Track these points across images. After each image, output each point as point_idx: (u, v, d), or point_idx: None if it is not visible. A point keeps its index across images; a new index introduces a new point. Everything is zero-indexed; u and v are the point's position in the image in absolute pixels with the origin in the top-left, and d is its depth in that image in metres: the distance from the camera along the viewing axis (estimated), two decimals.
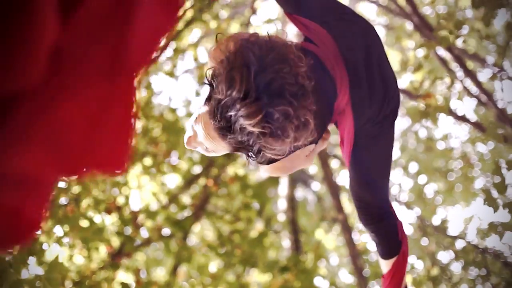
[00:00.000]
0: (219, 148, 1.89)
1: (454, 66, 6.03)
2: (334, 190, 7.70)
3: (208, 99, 1.86)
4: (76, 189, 5.97)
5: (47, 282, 4.51)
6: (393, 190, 8.83)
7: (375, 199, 2.43)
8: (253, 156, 1.83)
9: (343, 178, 10.18)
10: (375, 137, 2.21)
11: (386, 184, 2.46)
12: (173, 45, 6.40)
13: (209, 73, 1.84)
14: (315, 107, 1.75)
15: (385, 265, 2.52)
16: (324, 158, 7.42)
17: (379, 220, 2.43)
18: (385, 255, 2.49)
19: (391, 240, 2.48)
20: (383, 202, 2.45)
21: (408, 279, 7.46)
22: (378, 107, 2.13)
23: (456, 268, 6.83)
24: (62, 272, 4.75)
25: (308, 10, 2.21)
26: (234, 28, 7.42)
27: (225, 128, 1.76)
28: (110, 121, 0.84)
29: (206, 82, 1.86)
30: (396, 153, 9.01)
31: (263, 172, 2.17)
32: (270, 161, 1.90)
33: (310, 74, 1.75)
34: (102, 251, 6.32)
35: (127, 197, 6.54)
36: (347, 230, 7.59)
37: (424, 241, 7.15)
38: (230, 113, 1.70)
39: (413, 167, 8.37)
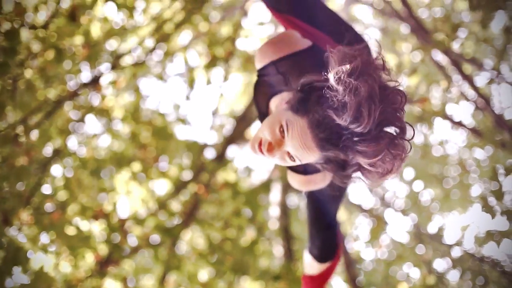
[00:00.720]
0: (309, 158, 1.85)
1: (451, 70, 6.02)
2: None
3: (304, 104, 1.81)
4: (62, 195, 5.93)
5: None
6: (388, 197, 8.82)
7: (316, 238, 2.69)
8: (341, 174, 1.85)
9: None
10: None
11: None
12: (163, 47, 6.37)
13: (314, 79, 1.81)
14: None
15: (317, 268, 2.68)
16: None
17: (331, 225, 2.66)
18: (322, 258, 2.67)
19: (333, 245, 2.68)
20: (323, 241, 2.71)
21: (404, 287, 7.45)
22: None
23: (453, 276, 6.82)
24: (47, 281, 4.73)
25: (311, 17, 2.22)
26: (225, 30, 7.40)
27: (330, 141, 1.74)
28: None
29: (307, 84, 1.83)
30: None
31: (295, 183, 2.22)
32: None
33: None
34: (89, 259, 6.28)
35: (114, 204, 6.51)
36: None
37: (420, 249, 7.14)
38: (343, 133, 1.69)
39: (409, 173, 8.35)
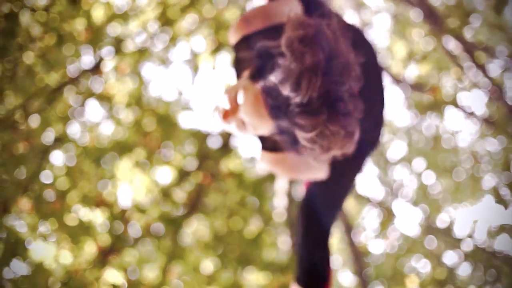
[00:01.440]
0: (263, 127, 1.86)
1: (463, 58, 5.98)
2: None
3: (261, 71, 1.83)
4: (62, 183, 5.94)
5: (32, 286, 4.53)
6: (398, 188, 8.80)
7: (333, 222, 2.55)
8: (296, 148, 1.84)
9: None
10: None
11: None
12: (167, 32, 6.35)
13: (269, 44, 1.83)
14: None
15: None
16: None
17: (326, 243, 2.53)
18: (310, 285, 2.55)
19: (325, 269, 2.55)
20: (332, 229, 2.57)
21: (413, 281, 7.44)
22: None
23: (464, 270, 6.81)
24: (47, 272, 4.74)
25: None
26: (231, 16, 7.36)
27: (280, 109, 1.75)
28: None
29: (264, 48, 1.84)
30: (401, 149, 8.97)
31: (266, 163, 2.21)
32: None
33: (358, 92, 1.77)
34: (91, 249, 6.29)
35: (116, 193, 6.51)
36: (348, 230, 7.56)
37: (430, 242, 7.13)
38: (290, 103, 1.69)
39: (419, 164, 8.33)
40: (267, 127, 1.85)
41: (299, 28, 1.67)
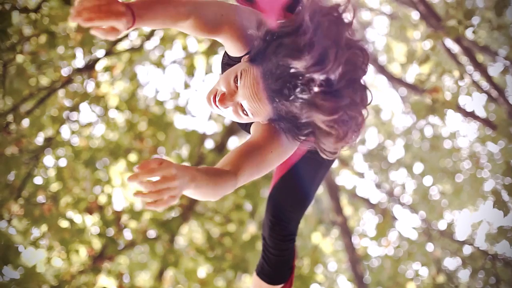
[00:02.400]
0: (260, 111, 1.84)
1: (463, 59, 6.01)
2: (333, 190, 7.69)
3: (262, 53, 1.81)
4: (54, 186, 5.94)
5: None
6: (397, 192, 8.83)
7: (299, 217, 2.56)
8: (296, 134, 1.82)
9: (342, 178, 10.17)
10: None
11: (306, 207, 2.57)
12: (160, 33, 6.37)
13: (272, 24, 1.81)
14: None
15: None
16: None
17: (291, 240, 2.56)
18: (275, 280, 2.58)
19: (288, 265, 2.59)
20: (298, 224, 2.58)
21: (412, 287, 7.46)
22: None
23: (464, 275, 6.83)
24: (38, 277, 4.74)
25: None
26: None
27: (281, 92, 1.72)
28: None
29: (270, 31, 1.80)
30: (399, 151, 9.00)
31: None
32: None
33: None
34: (83, 254, 6.29)
35: (109, 196, 6.51)
36: (346, 233, 7.58)
37: (430, 247, 7.15)
38: (298, 84, 1.67)
39: (418, 167, 8.36)
40: (264, 112, 1.83)
41: (320, 3, 1.69)
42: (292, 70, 1.67)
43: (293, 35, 1.70)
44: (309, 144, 1.84)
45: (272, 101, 1.77)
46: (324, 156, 1.80)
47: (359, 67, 1.67)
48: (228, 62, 2.13)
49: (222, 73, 2.22)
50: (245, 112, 1.88)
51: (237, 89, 1.85)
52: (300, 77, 1.65)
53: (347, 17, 1.71)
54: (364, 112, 1.71)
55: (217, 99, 1.89)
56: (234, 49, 2.01)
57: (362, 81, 1.69)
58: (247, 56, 1.91)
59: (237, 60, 2.05)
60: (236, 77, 1.86)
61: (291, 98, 1.70)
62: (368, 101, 1.72)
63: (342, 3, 1.72)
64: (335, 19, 1.67)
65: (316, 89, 1.63)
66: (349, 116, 1.66)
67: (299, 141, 1.86)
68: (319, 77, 1.62)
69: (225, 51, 2.16)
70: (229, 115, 1.93)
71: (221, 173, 1.74)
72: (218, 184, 1.70)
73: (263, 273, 2.58)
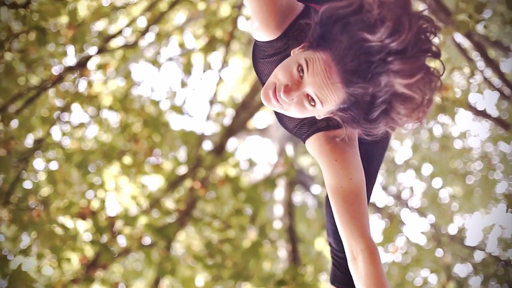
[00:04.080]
0: (331, 98, 1.82)
1: (474, 54, 6.02)
2: None
3: (326, 37, 1.81)
4: (45, 190, 5.94)
5: None
6: (404, 195, 8.83)
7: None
8: (365, 119, 1.82)
9: None
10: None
11: None
12: (155, 29, 6.38)
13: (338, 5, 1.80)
14: None
15: None
16: None
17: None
18: (351, 285, 2.51)
19: None
20: None
21: None
22: None
23: (475, 282, 6.83)
24: (27, 283, 4.73)
25: None
26: (224, 10, 7.39)
27: (358, 73, 1.72)
28: None
29: (329, 14, 1.81)
30: (407, 152, 9.00)
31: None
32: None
33: None
34: (75, 262, 6.29)
35: (103, 201, 6.51)
36: None
37: (439, 252, 7.15)
38: (373, 60, 1.69)
39: (427, 168, 8.37)
40: (336, 99, 1.82)
41: None
42: (367, 45, 1.69)
43: (358, 14, 1.72)
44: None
45: (348, 84, 1.76)
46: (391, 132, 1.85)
47: (432, 33, 1.71)
48: (266, 56, 2.16)
49: (260, 69, 2.24)
50: (312, 103, 1.87)
51: (301, 79, 1.84)
52: (376, 51, 1.68)
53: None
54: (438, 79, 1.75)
55: (279, 92, 1.87)
56: (267, 29, 2.05)
57: (434, 48, 1.72)
58: (301, 48, 1.92)
59: (279, 49, 2.09)
60: (299, 66, 1.84)
61: (369, 76, 1.71)
62: (441, 71, 1.75)
63: None
64: None
65: (391, 58, 1.66)
66: (427, 79, 1.70)
67: (370, 127, 1.86)
68: (395, 47, 1.65)
69: (256, 46, 2.18)
70: (291, 108, 1.91)
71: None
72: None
73: (337, 281, 2.57)
